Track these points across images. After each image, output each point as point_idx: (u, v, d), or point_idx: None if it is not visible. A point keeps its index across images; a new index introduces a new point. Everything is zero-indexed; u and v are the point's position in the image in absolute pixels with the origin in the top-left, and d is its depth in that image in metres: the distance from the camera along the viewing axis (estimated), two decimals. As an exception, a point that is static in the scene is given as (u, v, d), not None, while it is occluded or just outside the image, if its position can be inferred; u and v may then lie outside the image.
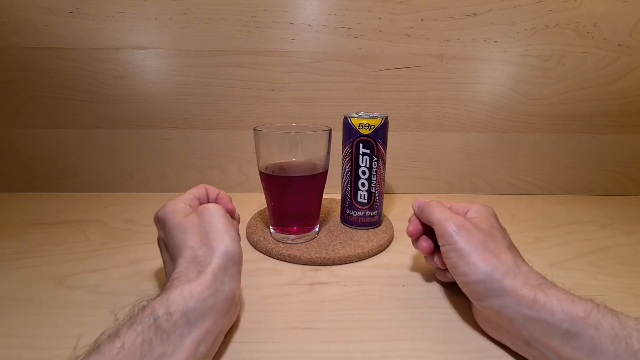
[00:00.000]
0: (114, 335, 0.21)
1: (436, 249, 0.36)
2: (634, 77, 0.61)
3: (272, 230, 0.46)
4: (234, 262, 0.28)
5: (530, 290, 0.26)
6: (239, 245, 0.29)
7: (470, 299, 0.30)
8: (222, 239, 0.28)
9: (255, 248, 0.45)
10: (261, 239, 0.45)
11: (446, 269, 0.34)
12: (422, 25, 0.59)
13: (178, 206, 0.32)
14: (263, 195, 0.45)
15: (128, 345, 0.20)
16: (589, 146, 0.65)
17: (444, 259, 0.32)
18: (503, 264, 0.28)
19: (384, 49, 0.60)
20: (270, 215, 0.45)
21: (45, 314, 0.32)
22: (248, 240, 0.47)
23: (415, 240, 0.38)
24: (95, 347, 0.21)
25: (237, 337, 0.30)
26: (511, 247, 0.31)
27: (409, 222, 0.38)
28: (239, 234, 0.32)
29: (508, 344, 0.28)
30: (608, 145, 0.65)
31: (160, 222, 0.33)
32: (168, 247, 0.31)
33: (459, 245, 0.30)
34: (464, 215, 0.34)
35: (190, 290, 0.25)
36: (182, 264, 0.27)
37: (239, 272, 0.29)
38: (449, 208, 0.35)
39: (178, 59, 0.59)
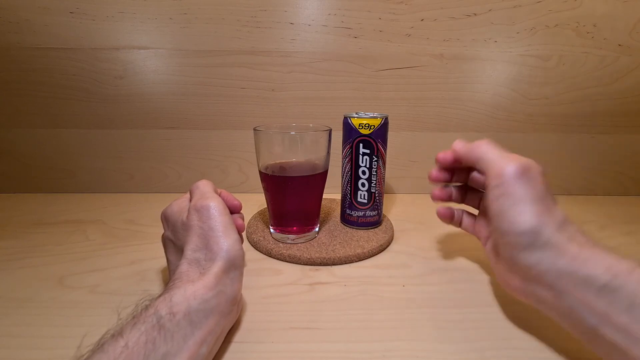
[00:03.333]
0: (117, 334, 0.21)
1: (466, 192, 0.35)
2: (634, 77, 0.61)
3: (272, 230, 0.46)
4: (237, 265, 0.28)
5: (576, 246, 0.25)
6: (241, 248, 0.29)
7: (501, 248, 0.29)
8: (224, 241, 0.28)
9: (255, 248, 0.45)
10: (261, 239, 0.45)
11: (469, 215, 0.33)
12: (422, 25, 0.59)
13: (184, 205, 0.32)
14: (263, 195, 0.45)
15: (132, 345, 0.20)
16: (589, 146, 0.65)
17: (487, 201, 0.30)
18: (555, 220, 0.27)
19: (384, 49, 0.60)
20: (270, 215, 0.45)
21: (45, 314, 0.32)
22: (248, 240, 0.47)
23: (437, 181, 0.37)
24: (99, 346, 0.21)
25: (237, 337, 0.30)
26: (554, 200, 0.29)
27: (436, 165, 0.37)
28: (241, 235, 0.32)
29: (529, 300, 0.28)
30: (608, 145, 0.65)
31: (166, 220, 0.33)
32: (176, 246, 0.31)
33: (518, 193, 0.27)
34: None
35: (193, 292, 0.25)
36: (184, 265, 0.27)
37: (241, 274, 0.29)
38: None
39: (178, 59, 0.59)
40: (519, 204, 0.27)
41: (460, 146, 0.34)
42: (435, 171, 0.37)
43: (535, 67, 0.61)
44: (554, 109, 0.63)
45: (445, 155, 0.36)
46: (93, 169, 0.65)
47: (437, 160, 0.37)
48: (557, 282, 0.25)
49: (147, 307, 0.23)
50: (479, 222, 0.36)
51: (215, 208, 0.29)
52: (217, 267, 0.27)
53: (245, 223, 0.50)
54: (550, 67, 0.61)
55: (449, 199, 0.39)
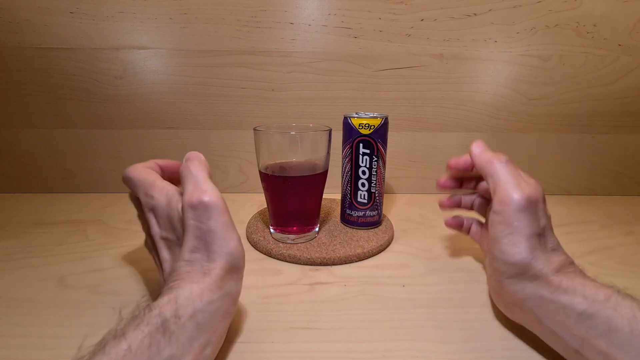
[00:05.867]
0: (120, 335, 0.21)
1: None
2: (634, 77, 0.61)
3: (272, 230, 0.46)
4: (239, 267, 0.28)
5: (560, 277, 0.26)
6: (243, 249, 0.28)
7: (492, 271, 0.29)
8: (226, 244, 0.26)
9: (255, 248, 0.45)
10: (261, 239, 0.45)
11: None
12: (422, 25, 0.58)
13: (172, 194, 0.29)
14: (263, 195, 0.45)
15: (135, 348, 0.20)
16: (589, 146, 0.65)
17: (489, 224, 0.29)
18: (546, 253, 0.27)
19: (384, 49, 0.60)
20: (270, 215, 0.45)
21: (46, 314, 0.32)
22: (248, 240, 0.47)
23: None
24: (101, 348, 0.20)
25: (237, 337, 0.30)
26: (550, 228, 0.29)
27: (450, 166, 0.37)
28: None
29: (515, 319, 0.28)
30: (608, 145, 0.65)
31: (156, 217, 0.29)
32: (171, 241, 0.29)
33: (517, 225, 0.27)
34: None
35: (199, 293, 0.24)
36: (183, 266, 0.26)
37: (242, 274, 0.29)
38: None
39: (178, 59, 0.59)
40: (515, 235, 0.27)
41: (477, 152, 0.34)
42: (444, 179, 0.37)
43: (535, 67, 0.61)
44: (554, 109, 0.63)
45: (458, 162, 0.37)
46: (93, 169, 0.65)
47: (448, 167, 0.37)
48: (538, 309, 0.26)
49: (150, 307, 0.23)
50: (484, 234, 0.36)
51: (214, 207, 0.26)
52: (220, 269, 0.26)
53: (245, 223, 0.50)
54: (550, 67, 0.61)
55: (457, 206, 0.40)
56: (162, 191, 0.29)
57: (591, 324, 0.23)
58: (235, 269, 0.27)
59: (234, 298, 0.27)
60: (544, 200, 0.30)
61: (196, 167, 0.28)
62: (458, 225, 0.40)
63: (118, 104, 0.61)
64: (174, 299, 0.23)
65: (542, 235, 0.28)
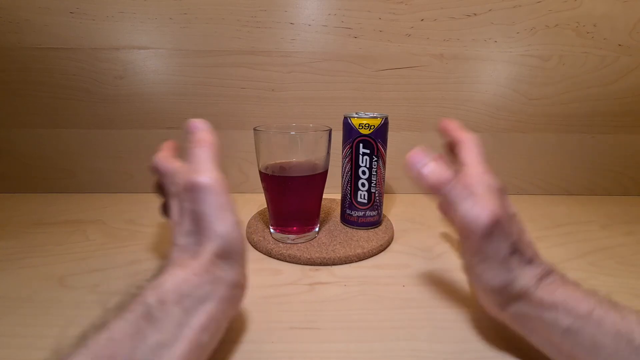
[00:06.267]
0: (101, 326, 0.20)
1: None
2: (634, 77, 0.61)
3: (272, 230, 0.46)
4: (235, 251, 0.26)
5: (543, 291, 0.25)
6: (238, 231, 0.26)
7: (474, 289, 0.29)
8: (218, 226, 0.25)
9: (255, 248, 0.45)
10: (261, 239, 0.45)
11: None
12: (422, 25, 0.58)
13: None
14: (263, 195, 0.45)
15: (118, 337, 0.19)
16: (589, 146, 0.65)
17: (462, 256, 0.28)
18: (523, 268, 0.26)
19: (384, 49, 0.60)
20: (270, 215, 0.45)
21: (45, 314, 0.32)
22: (248, 240, 0.47)
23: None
24: (82, 341, 0.19)
25: (237, 337, 0.30)
26: (523, 233, 0.28)
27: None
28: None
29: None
30: (608, 145, 0.65)
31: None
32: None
33: (487, 252, 0.25)
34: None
35: (184, 278, 0.23)
36: (174, 250, 0.25)
37: (243, 259, 0.27)
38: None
39: (178, 59, 0.59)
40: (488, 261, 0.26)
41: (415, 172, 0.30)
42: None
43: (535, 67, 0.61)
44: (554, 109, 0.63)
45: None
46: (93, 169, 0.65)
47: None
48: (524, 327, 0.26)
49: (134, 296, 0.22)
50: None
51: (207, 188, 0.25)
52: (209, 252, 0.24)
53: (245, 223, 0.50)
54: (550, 67, 0.61)
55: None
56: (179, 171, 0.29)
57: (576, 341, 0.23)
58: (228, 253, 0.25)
59: (230, 282, 0.25)
60: (507, 198, 0.28)
61: (200, 148, 0.27)
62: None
63: (118, 104, 0.61)
64: (159, 284, 0.23)
65: (516, 250, 0.26)
